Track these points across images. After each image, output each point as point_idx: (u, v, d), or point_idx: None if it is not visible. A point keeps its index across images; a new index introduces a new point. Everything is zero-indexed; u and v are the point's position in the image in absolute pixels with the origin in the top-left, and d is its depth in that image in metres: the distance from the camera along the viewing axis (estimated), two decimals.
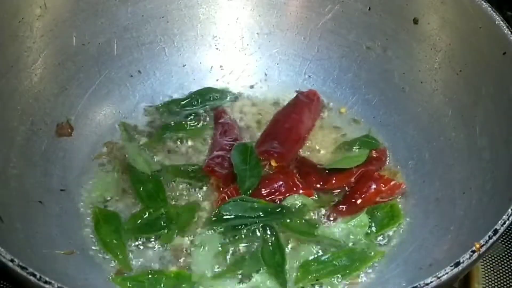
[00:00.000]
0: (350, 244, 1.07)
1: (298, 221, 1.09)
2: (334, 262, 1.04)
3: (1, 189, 1.02)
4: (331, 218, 1.10)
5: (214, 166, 1.13)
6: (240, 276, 1.03)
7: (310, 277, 1.03)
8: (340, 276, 1.03)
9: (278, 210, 1.09)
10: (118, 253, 1.05)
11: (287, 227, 1.08)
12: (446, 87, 1.17)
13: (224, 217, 1.07)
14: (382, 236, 1.09)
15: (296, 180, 1.13)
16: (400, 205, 1.12)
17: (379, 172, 1.16)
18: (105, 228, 1.07)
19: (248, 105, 1.29)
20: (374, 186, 1.12)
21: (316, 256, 1.05)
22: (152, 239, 1.08)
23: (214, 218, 1.07)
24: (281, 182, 1.12)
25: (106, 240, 1.06)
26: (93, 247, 1.06)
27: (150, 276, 1.01)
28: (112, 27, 1.25)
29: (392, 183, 1.13)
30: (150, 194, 1.12)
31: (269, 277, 1.03)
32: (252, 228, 1.07)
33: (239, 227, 1.07)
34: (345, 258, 1.04)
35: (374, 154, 1.18)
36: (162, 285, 1.00)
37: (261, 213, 1.08)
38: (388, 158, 1.20)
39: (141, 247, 1.07)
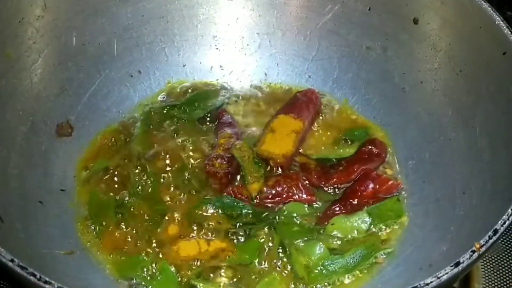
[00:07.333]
0: (354, 241, 1.07)
1: (295, 227, 1.09)
2: (344, 262, 1.04)
3: (1, 189, 1.02)
4: (331, 218, 1.10)
5: (215, 166, 1.14)
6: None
7: (322, 278, 1.02)
8: (350, 275, 1.03)
9: (261, 216, 1.09)
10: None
11: (288, 234, 1.08)
12: (446, 87, 1.17)
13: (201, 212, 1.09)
14: (382, 235, 1.09)
15: (299, 184, 1.12)
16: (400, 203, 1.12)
17: (380, 168, 1.17)
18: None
19: (248, 105, 1.29)
20: (371, 185, 1.12)
21: (325, 257, 1.04)
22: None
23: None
24: (284, 186, 1.12)
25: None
26: (93, 247, 1.06)
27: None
28: (112, 27, 1.25)
29: (389, 182, 1.13)
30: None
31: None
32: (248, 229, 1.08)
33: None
34: (354, 256, 1.04)
35: (374, 151, 1.18)
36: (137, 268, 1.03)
37: (242, 215, 1.09)
38: (388, 155, 1.20)
39: None
